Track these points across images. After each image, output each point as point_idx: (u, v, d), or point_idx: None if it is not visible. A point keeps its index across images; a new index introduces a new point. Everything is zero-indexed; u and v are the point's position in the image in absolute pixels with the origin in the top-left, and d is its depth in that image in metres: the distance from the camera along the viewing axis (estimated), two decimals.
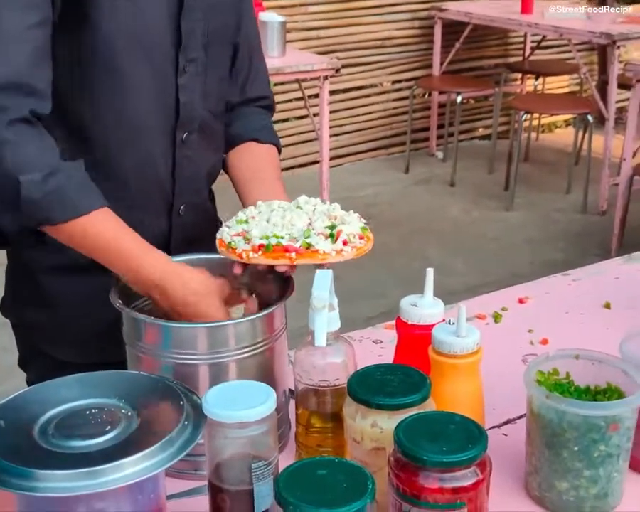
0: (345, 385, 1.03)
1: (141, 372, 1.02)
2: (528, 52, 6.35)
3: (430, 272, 1.16)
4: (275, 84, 4.98)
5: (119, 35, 1.22)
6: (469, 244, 4.63)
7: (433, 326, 1.12)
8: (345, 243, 1.17)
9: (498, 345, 1.35)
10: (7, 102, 1.11)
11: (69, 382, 0.94)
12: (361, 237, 1.20)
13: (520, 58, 6.38)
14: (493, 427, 1.19)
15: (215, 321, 1.14)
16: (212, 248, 1.23)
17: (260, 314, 1.12)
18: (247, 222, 1.22)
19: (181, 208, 1.38)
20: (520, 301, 1.60)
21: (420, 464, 0.88)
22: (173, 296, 1.16)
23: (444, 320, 1.14)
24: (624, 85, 4.88)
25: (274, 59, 4.07)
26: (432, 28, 5.86)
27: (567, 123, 6.73)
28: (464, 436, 0.90)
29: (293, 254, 1.14)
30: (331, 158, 4.65)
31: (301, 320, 1.20)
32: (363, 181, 5.53)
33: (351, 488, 0.83)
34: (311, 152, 5.47)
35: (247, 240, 1.17)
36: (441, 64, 5.87)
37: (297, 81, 4.42)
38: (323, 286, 1.04)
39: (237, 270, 1.20)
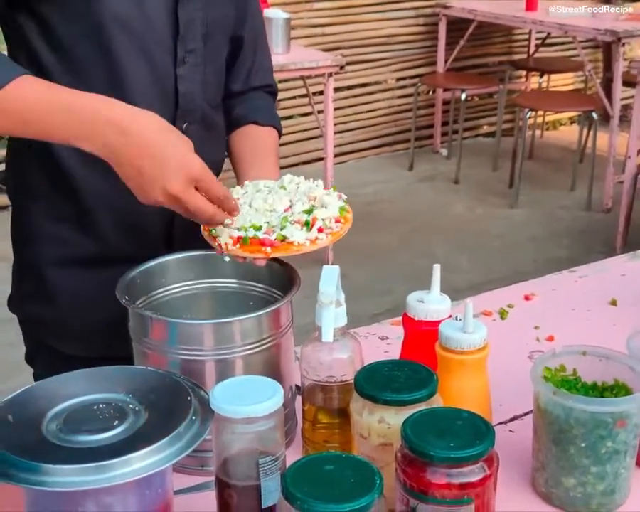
0: (352, 381, 1.03)
1: (149, 368, 1.02)
2: (532, 49, 6.34)
3: (437, 268, 1.16)
4: (279, 81, 4.98)
5: (116, 25, 1.22)
6: (473, 241, 4.63)
7: (440, 322, 1.12)
8: (320, 230, 1.17)
9: (504, 342, 1.35)
10: None
11: (76, 377, 0.94)
12: (337, 221, 1.20)
13: (525, 55, 6.37)
14: (500, 423, 1.19)
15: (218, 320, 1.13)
16: None
17: (267, 310, 1.12)
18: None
19: None
20: (526, 298, 1.60)
21: (428, 459, 0.88)
22: (140, 135, 1.07)
23: (450, 316, 1.13)
24: (629, 83, 4.87)
25: (278, 56, 4.07)
26: (437, 25, 5.86)
27: (572, 120, 6.73)
28: (472, 432, 0.90)
29: (268, 249, 1.15)
30: (335, 156, 4.65)
31: (307, 316, 1.21)
32: (367, 178, 5.53)
33: (359, 483, 0.82)
34: (315, 149, 5.47)
35: (226, 226, 1.19)
36: (446, 61, 5.86)
37: (302, 78, 4.42)
38: (330, 282, 1.04)
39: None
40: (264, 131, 1.47)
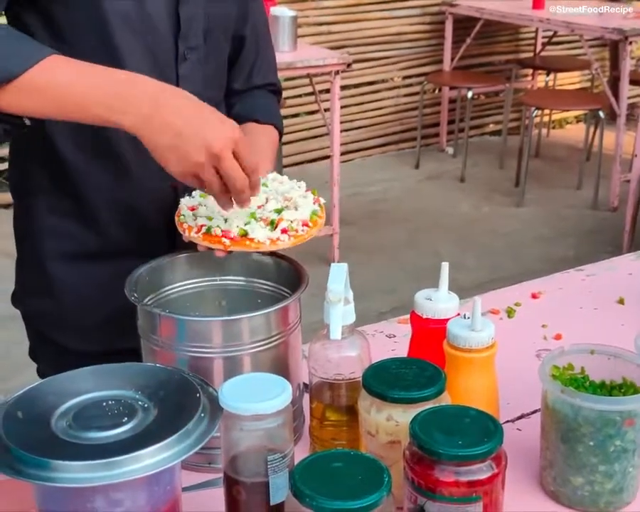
0: (360, 379, 1.03)
1: (158, 365, 1.02)
2: (539, 47, 6.34)
3: (445, 266, 1.15)
4: (286, 79, 4.98)
5: (118, 21, 1.22)
6: (480, 240, 4.63)
7: (448, 320, 1.12)
8: (284, 231, 1.17)
9: (512, 340, 1.35)
10: None
11: (85, 374, 0.94)
12: (305, 224, 1.20)
13: (532, 54, 6.36)
14: (508, 421, 1.19)
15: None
16: None
17: (275, 308, 1.12)
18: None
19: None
20: (534, 297, 1.60)
21: (436, 457, 0.88)
22: (177, 101, 1.09)
23: (458, 314, 1.13)
24: (636, 81, 4.88)
25: (285, 54, 4.07)
26: (443, 24, 5.86)
27: (578, 119, 6.72)
28: (480, 430, 0.90)
29: (227, 242, 1.16)
30: (341, 154, 4.66)
31: (315, 314, 1.21)
32: (373, 177, 5.53)
33: (367, 480, 0.82)
34: (321, 147, 5.47)
35: (195, 216, 1.21)
36: (452, 59, 5.86)
37: (308, 76, 4.42)
38: (338, 280, 1.04)
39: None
40: (263, 129, 1.47)
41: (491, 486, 0.89)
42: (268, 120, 1.48)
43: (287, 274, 1.23)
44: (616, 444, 1.00)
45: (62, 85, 1.09)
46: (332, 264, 1.07)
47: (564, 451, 1.02)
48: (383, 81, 5.95)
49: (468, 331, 1.07)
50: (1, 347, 3.32)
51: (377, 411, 0.99)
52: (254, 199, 1.20)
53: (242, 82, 1.47)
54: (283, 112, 1.57)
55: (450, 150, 6.03)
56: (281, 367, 1.11)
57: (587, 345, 1.10)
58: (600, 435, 1.00)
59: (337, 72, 4.17)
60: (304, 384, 1.20)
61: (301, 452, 1.01)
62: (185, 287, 1.27)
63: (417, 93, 5.90)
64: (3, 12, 1.25)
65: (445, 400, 1.00)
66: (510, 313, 1.53)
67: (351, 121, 5.76)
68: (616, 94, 4.93)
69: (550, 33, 6.17)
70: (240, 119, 1.46)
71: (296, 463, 0.87)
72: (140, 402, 0.88)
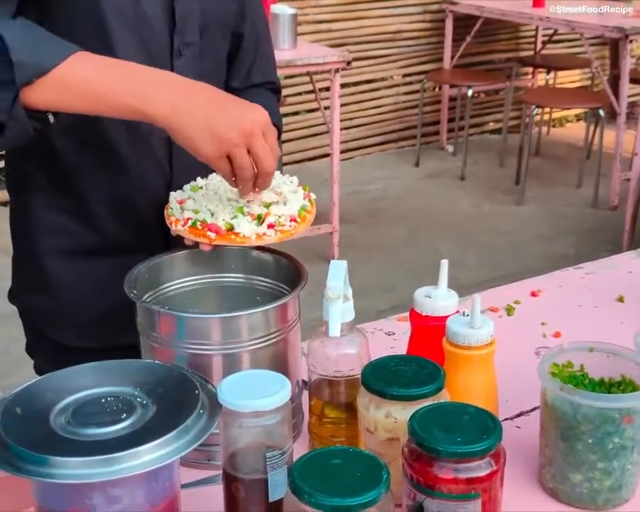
0: (359, 376, 1.03)
1: (157, 361, 1.02)
2: (539, 46, 6.34)
3: (445, 264, 1.15)
4: (286, 77, 4.98)
5: (113, 16, 1.22)
6: (480, 238, 4.63)
7: (447, 317, 1.12)
8: (271, 226, 1.18)
9: (511, 338, 1.35)
10: None
11: (84, 370, 0.94)
12: (293, 220, 1.20)
13: (532, 52, 6.36)
14: (506, 419, 1.19)
15: None
16: None
17: (274, 305, 1.12)
18: (201, 188, 1.27)
19: None
20: (533, 295, 1.60)
21: (435, 454, 0.88)
22: (205, 88, 1.13)
23: (458, 312, 1.13)
24: (636, 80, 4.88)
25: (285, 51, 4.07)
26: (443, 22, 5.85)
27: (578, 117, 6.72)
28: (479, 427, 0.90)
29: (212, 235, 1.17)
30: (341, 152, 4.66)
31: (314, 311, 1.21)
32: (373, 175, 5.53)
33: (366, 477, 0.82)
34: (321, 145, 5.47)
35: (182, 210, 1.22)
36: (452, 57, 5.86)
37: (308, 74, 4.42)
38: (337, 277, 1.04)
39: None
40: None
41: (489, 483, 0.89)
42: None
43: (286, 272, 1.23)
44: (614, 442, 1.00)
45: (91, 80, 1.10)
46: (331, 262, 1.07)
47: (563, 448, 1.02)
48: (383, 79, 5.95)
49: (468, 328, 1.07)
50: (0, 344, 3.32)
51: (376, 408, 0.99)
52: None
53: (241, 80, 1.47)
54: (283, 109, 1.57)
55: (450, 148, 6.03)
56: (281, 364, 1.11)
57: (586, 343, 1.10)
58: (599, 432, 1.00)
59: (337, 70, 4.17)
60: (303, 381, 1.20)
61: (300, 449, 1.01)
62: (184, 284, 1.27)
63: (417, 91, 5.89)
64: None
65: (444, 397, 1.00)
66: (509, 310, 1.53)
67: (351, 119, 5.76)
68: (616, 92, 4.93)
69: (550, 32, 6.17)
70: None
71: (295, 460, 0.87)
72: (139, 399, 0.88)
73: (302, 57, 4.15)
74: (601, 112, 5.00)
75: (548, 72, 6.20)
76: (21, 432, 0.83)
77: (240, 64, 1.46)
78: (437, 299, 1.15)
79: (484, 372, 1.09)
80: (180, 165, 1.34)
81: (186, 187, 1.28)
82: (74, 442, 0.82)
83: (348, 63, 4.23)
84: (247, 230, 1.16)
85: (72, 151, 1.29)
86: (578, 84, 6.69)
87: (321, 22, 5.52)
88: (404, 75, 6.02)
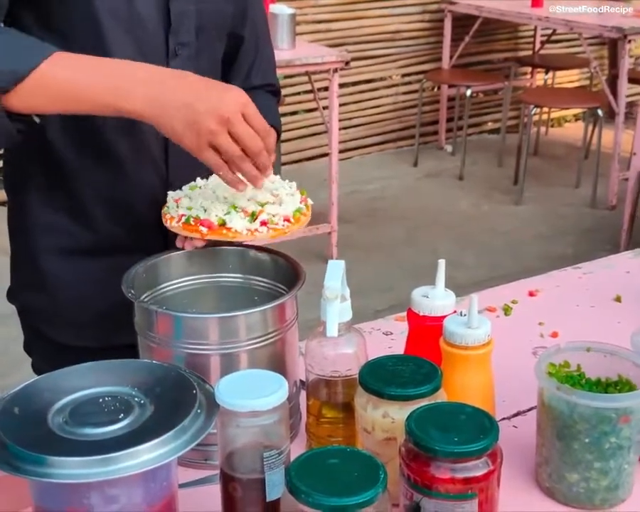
0: (357, 376, 1.03)
1: (155, 361, 1.03)
2: (538, 46, 6.34)
3: (442, 264, 1.16)
4: (284, 77, 4.98)
5: (108, 17, 1.22)
6: (478, 238, 4.63)
7: (444, 317, 1.12)
8: (264, 223, 1.18)
9: (508, 338, 1.35)
10: None
11: (82, 370, 0.94)
12: (287, 220, 1.20)
13: (530, 52, 6.36)
14: (503, 418, 1.19)
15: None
16: None
17: (272, 305, 1.12)
18: (199, 188, 1.27)
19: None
20: (531, 294, 1.60)
21: (432, 454, 0.88)
22: (180, 77, 1.13)
23: (455, 311, 1.14)
24: (635, 80, 4.88)
25: (283, 51, 4.07)
26: (442, 21, 5.86)
27: (577, 117, 6.72)
28: (476, 427, 0.90)
29: (205, 230, 1.17)
30: (340, 152, 4.66)
31: (312, 311, 1.21)
32: (371, 174, 5.53)
33: (363, 477, 0.83)
34: (319, 145, 5.47)
35: (177, 207, 1.23)
36: (451, 57, 5.86)
37: (307, 73, 4.42)
38: (335, 277, 1.04)
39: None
40: None
41: (486, 482, 0.89)
42: (267, 122, 1.48)
43: (284, 271, 1.23)
44: (611, 441, 1.00)
45: (68, 80, 1.10)
46: (329, 261, 1.07)
47: (560, 448, 1.03)
48: (382, 79, 5.95)
49: (465, 328, 1.07)
50: None
51: (373, 408, 1.00)
52: (242, 194, 1.20)
53: (240, 82, 1.46)
54: (281, 109, 1.57)
55: (449, 148, 6.04)
56: (278, 364, 1.12)
57: (583, 343, 1.10)
58: (596, 432, 1.00)
59: (335, 70, 4.17)
60: (301, 381, 1.20)
61: (297, 449, 1.01)
62: (182, 284, 1.27)
63: (415, 91, 5.90)
64: None
65: (441, 397, 1.00)
66: (507, 310, 1.53)
67: (350, 119, 5.76)
68: (614, 92, 4.93)
69: (549, 31, 6.17)
70: None
71: (292, 459, 0.87)
72: (136, 399, 0.89)
73: (301, 57, 4.15)
74: (600, 112, 5.00)
75: (547, 72, 6.21)
76: (19, 432, 0.83)
77: (240, 66, 1.46)
78: (435, 298, 1.16)
79: (481, 372, 1.09)
80: (176, 165, 1.35)
81: (185, 187, 1.29)
82: (71, 442, 0.82)
83: (347, 63, 4.24)
84: (240, 226, 1.17)
85: (70, 151, 1.29)
86: (577, 84, 6.69)
87: (319, 22, 5.52)
88: (403, 75, 6.02)
